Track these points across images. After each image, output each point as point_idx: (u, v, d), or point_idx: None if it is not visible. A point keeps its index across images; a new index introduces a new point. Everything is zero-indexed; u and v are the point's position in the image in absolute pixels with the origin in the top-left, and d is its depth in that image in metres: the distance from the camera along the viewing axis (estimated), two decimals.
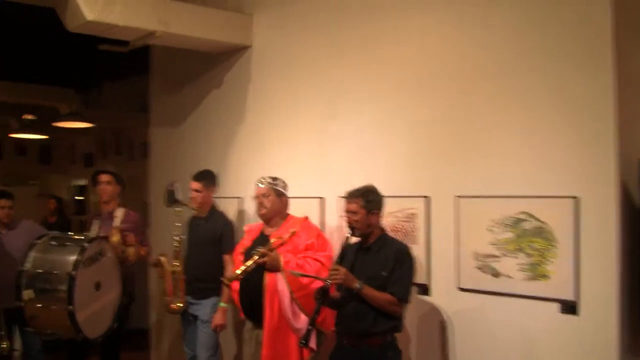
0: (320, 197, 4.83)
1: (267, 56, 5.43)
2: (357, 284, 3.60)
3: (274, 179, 4.53)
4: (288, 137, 5.17)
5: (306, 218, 4.52)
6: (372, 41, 4.51)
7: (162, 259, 5.00)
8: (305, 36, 5.07)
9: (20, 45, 8.19)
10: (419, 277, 4.08)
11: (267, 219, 4.51)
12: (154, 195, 6.62)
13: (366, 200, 3.74)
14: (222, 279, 4.45)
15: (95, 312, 4.66)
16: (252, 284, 4.27)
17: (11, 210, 5.34)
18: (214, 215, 5.10)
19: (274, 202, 4.47)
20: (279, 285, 4.21)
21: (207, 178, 5.10)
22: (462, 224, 3.92)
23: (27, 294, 4.41)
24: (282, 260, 4.20)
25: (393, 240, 3.85)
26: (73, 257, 4.45)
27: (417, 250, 4.11)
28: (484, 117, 3.84)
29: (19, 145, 13.41)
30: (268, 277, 4.24)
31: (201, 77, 6.08)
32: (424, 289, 4.12)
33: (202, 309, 4.96)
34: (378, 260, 3.71)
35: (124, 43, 6.69)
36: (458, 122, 3.97)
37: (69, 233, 4.72)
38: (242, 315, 4.56)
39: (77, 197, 13.05)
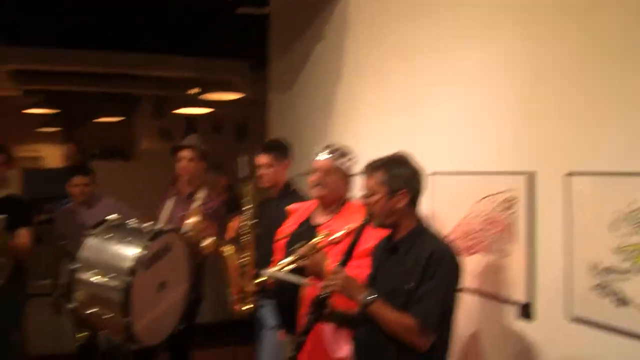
0: None
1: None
2: (362, 296, 2.45)
3: (341, 151, 3.38)
4: (377, 101, 4.01)
5: None
6: None
7: (226, 249, 4.09)
8: None
9: (197, 19, 7.91)
10: (518, 293, 2.74)
11: (325, 204, 3.39)
12: None
13: (390, 175, 2.54)
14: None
15: (157, 317, 3.88)
16: (287, 290, 3.24)
17: (87, 187, 4.83)
18: (287, 195, 4.08)
19: (337, 183, 3.35)
20: None
21: (278, 149, 4.10)
22: (575, 216, 2.49)
23: (79, 296, 3.74)
24: (328, 265, 3.08)
25: (430, 237, 2.57)
26: (131, 258, 3.62)
27: (517, 253, 2.77)
28: (623, 73, 2.34)
29: (216, 123, 13.48)
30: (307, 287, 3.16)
31: (307, 32, 5.07)
32: (525, 311, 2.74)
33: (270, 311, 3.99)
34: (404, 266, 2.51)
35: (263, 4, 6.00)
36: (582, 77, 2.51)
37: (132, 221, 3.96)
38: None
39: None
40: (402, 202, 2.54)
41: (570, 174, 2.49)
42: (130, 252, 3.64)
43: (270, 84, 5.89)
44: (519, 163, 2.77)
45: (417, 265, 2.44)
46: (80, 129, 14.14)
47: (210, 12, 7.40)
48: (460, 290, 2.52)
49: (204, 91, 8.67)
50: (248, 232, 4.05)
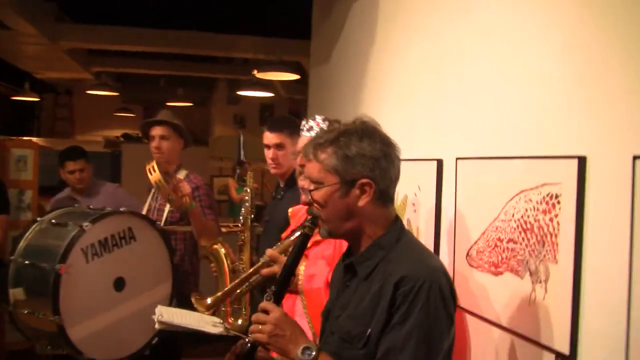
0: (438, 159, 2.69)
1: None
2: (297, 351, 1.59)
3: (331, 122, 2.51)
4: (404, 69, 3.14)
5: None
6: None
7: (219, 248, 3.34)
8: None
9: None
10: (559, 337, 1.82)
11: None
12: None
13: (344, 156, 1.64)
14: (192, 296, 2.70)
15: (112, 325, 3.23)
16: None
17: (84, 174, 4.23)
18: (296, 184, 3.26)
19: None
20: (296, 313, 2.38)
21: (290, 126, 3.24)
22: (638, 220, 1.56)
23: (16, 293, 3.17)
24: (302, 274, 2.33)
25: (405, 252, 1.66)
26: (64, 243, 3.07)
27: (558, 276, 1.84)
28: None
29: (293, 107, 12.87)
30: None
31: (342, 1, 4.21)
32: None
33: None
34: (365, 298, 1.63)
35: None
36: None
37: (90, 207, 3.36)
38: None
39: None
40: (364, 198, 1.66)
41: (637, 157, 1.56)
42: (69, 232, 3.07)
43: (311, 58, 5.08)
44: (566, 146, 1.85)
45: (382, 299, 1.57)
46: (156, 113, 13.92)
47: None
48: (452, 336, 1.62)
49: (266, 70, 7.96)
50: (245, 230, 3.31)
